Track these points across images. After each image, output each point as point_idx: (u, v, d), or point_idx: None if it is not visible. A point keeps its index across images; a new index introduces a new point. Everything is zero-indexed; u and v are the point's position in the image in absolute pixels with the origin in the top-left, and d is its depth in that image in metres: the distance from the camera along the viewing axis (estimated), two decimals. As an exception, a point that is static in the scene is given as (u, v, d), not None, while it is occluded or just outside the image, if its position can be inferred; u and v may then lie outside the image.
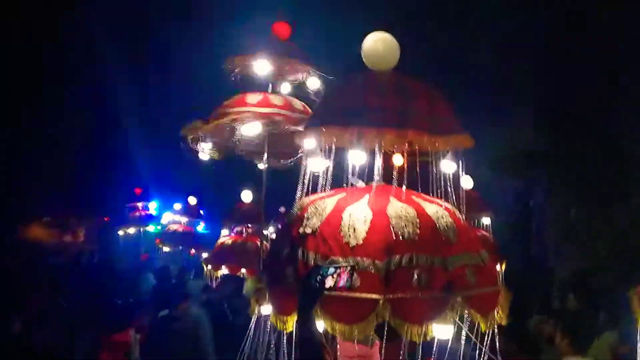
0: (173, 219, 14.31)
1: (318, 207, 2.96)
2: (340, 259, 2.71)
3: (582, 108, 10.56)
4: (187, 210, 13.49)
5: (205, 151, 6.14)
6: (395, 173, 3.06)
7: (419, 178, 3.14)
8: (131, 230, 16.27)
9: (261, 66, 5.89)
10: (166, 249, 12.78)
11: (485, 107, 12.85)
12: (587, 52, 10.08)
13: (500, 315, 2.88)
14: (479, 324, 2.80)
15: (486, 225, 8.79)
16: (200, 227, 15.08)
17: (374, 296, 2.62)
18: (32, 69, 14.69)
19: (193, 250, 12.32)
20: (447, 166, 3.09)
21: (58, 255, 15.42)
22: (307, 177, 3.15)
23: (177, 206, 14.30)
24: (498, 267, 8.43)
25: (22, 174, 15.67)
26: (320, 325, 2.70)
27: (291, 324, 2.79)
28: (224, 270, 8.25)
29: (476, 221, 8.86)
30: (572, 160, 10.70)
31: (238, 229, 8.87)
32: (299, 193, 3.15)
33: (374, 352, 3.10)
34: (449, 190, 3.10)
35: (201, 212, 14.00)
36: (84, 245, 17.82)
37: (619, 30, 9.59)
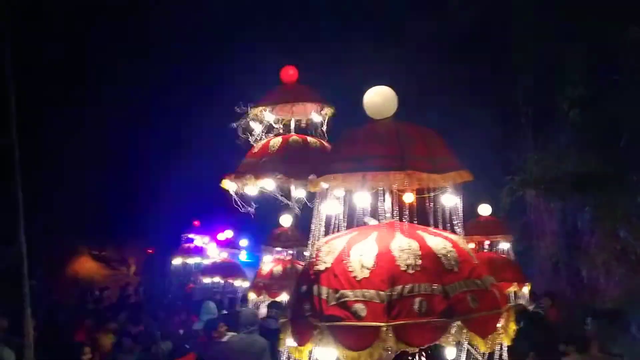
0: (214, 252, 14.90)
1: (331, 246, 3.41)
2: (349, 292, 3.14)
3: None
4: (226, 243, 14.10)
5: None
6: (405, 210, 3.50)
7: (428, 212, 3.58)
8: (181, 261, 16.88)
9: (275, 114, 6.50)
10: (206, 280, 13.35)
11: (529, 129, 13.39)
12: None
13: (503, 336, 3.25)
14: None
15: (505, 249, 9.44)
16: (243, 257, 15.64)
17: (378, 324, 3.03)
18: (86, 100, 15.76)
19: (230, 280, 12.83)
20: (448, 200, 3.50)
21: (106, 289, 16.21)
22: (321, 219, 3.58)
23: (221, 237, 14.90)
24: (526, 289, 8.84)
25: (73, 204, 16.54)
26: (329, 352, 3.13)
27: (305, 354, 3.23)
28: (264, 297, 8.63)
29: (495, 246, 9.42)
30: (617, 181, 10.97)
31: (278, 255, 9.10)
32: (313, 235, 3.59)
33: None
34: (454, 221, 3.50)
35: (241, 242, 14.63)
36: (132, 277, 18.67)
37: None
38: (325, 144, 6.45)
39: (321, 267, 3.31)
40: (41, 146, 13.93)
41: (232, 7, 15.65)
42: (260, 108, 6.50)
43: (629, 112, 10.91)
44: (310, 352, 3.33)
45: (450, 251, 3.27)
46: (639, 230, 10.73)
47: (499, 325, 3.20)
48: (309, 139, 6.49)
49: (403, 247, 3.22)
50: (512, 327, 3.30)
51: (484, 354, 3.30)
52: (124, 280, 18.19)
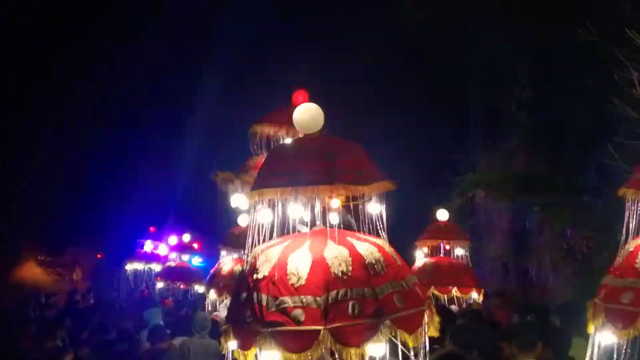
0: (166, 254, 15.03)
1: (268, 255, 3.74)
2: (288, 299, 3.48)
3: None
4: (182, 247, 14.29)
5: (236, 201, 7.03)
6: (333, 215, 3.87)
7: (355, 218, 3.96)
8: (138, 266, 16.89)
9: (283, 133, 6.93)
10: (160, 285, 13.50)
11: (478, 131, 13.98)
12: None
13: (429, 330, 3.65)
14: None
15: (461, 255, 9.84)
16: (196, 261, 15.82)
17: (316, 327, 3.38)
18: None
19: (182, 285, 13.04)
20: (373, 207, 3.88)
21: (53, 295, 16.17)
22: (256, 228, 3.91)
23: (173, 241, 15.01)
24: (475, 295, 9.23)
25: (20, 208, 16.46)
26: (273, 355, 3.46)
27: (250, 357, 3.56)
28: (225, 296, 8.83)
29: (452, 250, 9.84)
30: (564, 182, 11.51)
31: (235, 254, 9.14)
32: (249, 243, 3.91)
33: None
34: (379, 226, 3.89)
35: (194, 246, 14.81)
36: (80, 283, 18.63)
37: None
38: None
39: (259, 275, 3.64)
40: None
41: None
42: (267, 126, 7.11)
43: (576, 114, 11.47)
44: (256, 356, 3.64)
45: (377, 256, 3.65)
46: (585, 230, 11.30)
47: (423, 320, 3.58)
48: None
49: (335, 254, 3.58)
50: (436, 320, 3.70)
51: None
52: (71, 286, 18.16)
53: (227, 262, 9.25)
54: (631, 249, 4.10)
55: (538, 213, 12.80)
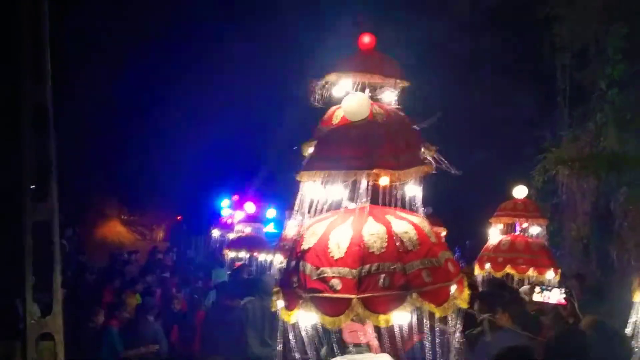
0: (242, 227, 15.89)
1: (315, 228, 4.37)
2: (328, 269, 4.11)
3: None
4: (249, 218, 15.19)
5: None
6: (380, 193, 4.46)
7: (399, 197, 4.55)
8: (216, 234, 17.90)
9: (353, 83, 6.72)
10: (231, 254, 14.43)
11: (565, 108, 14.01)
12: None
13: (458, 303, 4.21)
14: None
15: (537, 234, 10.08)
16: (270, 228, 16.69)
17: (350, 296, 4.00)
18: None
19: (256, 254, 13.91)
20: (411, 190, 4.45)
21: (135, 253, 17.57)
22: (306, 204, 4.57)
23: (250, 209, 15.84)
24: (553, 274, 9.43)
25: (106, 168, 17.77)
26: (311, 318, 4.12)
27: (293, 317, 4.23)
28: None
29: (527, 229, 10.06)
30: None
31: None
32: (300, 217, 4.56)
33: (367, 325, 4.49)
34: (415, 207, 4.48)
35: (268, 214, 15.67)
36: (160, 243, 20.01)
37: None
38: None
39: (306, 246, 4.27)
40: (77, 106, 15.10)
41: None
42: (336, 74, 6.77)
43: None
44: (297, 316, 4.32)
45: (412, 234, 4.19)
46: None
47: (451, 294, 4.13)
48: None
49: (372, 232, 4.16)
50: (466, 293, 4.26)
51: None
52: (152, 244, 19.53)
53: (292, 226, 9.95)
54: None
55: (624, 194, 12.82)
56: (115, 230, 19.30)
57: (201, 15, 17.14)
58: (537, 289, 8.68)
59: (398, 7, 14.70)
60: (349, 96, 4.55)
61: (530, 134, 14.40)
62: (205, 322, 9.13)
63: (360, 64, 6.79)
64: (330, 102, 7.00)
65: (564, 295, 8.14)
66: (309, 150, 6.96)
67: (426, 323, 4.37)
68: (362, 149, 4.28)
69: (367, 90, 6.79)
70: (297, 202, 4.77)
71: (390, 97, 6.84)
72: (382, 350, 4.61)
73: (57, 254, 6.72)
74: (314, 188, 4.52)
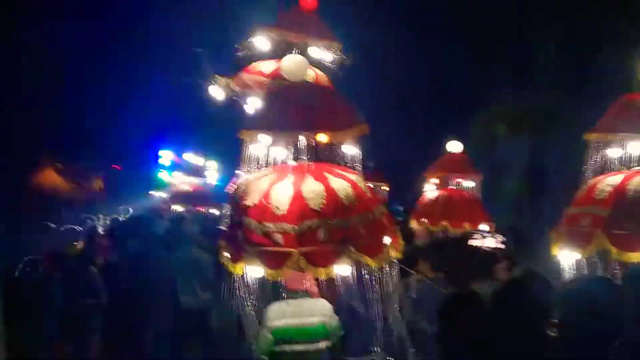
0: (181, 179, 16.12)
1: (258, 185, 4.70)
2: (271, 224, 4.45)
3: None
4: (195, 170, 15.39)
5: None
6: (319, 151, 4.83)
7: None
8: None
9: (285, 37, 6.99)
10: (179, 208, 14.66)
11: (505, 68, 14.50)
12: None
13: (391, 255, 4.63)
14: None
15: (471, 187, 10.39)
16: (213, 180, 16.93)
17: (291, 250, 4.36)
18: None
19: (201, 209, 14.20)
20: (348, 149, 4.84)
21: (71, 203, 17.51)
22: (250, 160, 4.89)
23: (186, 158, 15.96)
24: (487, 227, 9.76)
25: (38, 115, 17.50)
26: (256, 270, 4.49)
27: (239, 268, 4.58)
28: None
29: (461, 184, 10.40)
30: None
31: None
32: (243, 172, 4.88)
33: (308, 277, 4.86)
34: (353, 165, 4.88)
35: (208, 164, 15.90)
36: (98, 193, 19.93)
37: None
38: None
39: (249, 202, 4.60)
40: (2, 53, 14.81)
41: None
42: (266, 29, 7.11)
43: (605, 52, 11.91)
44: (243, 268, 4.67)
45: (349, 191, 4.58)
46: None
47: (386, 246, 4.54)
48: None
49: (312, 189, 4.52)
50: (400, 244, 4.71)
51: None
52: (89, 195, 19.43)
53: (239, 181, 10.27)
54: (591, 184, 5.04)
55: (559, 152, 13.43)
56: (50, 178, 19.11)
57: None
58: (474, 235, 9.23)
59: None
60: (287, 57, 4.85)
61: (469, 91, 14.86)
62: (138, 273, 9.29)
63: (296, 22, 7.15)
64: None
65: (502, 240, 8.73)
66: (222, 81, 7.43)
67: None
68: (302, 111, 4.62)
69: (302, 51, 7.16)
70: (243, 157, 5.05)
71: (326, 56, 7.16)
72: (321, 296, 5.04)
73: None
74: (257, 145, 4.84)
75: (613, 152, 5.14)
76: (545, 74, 13.50)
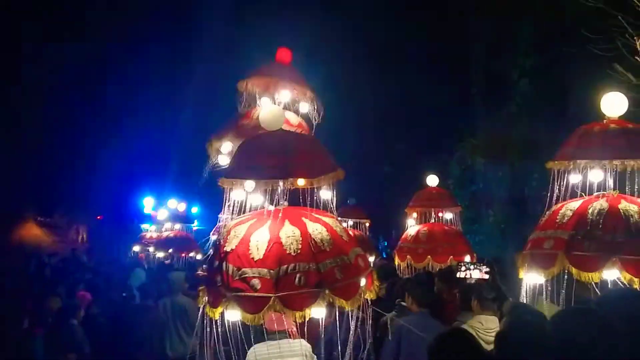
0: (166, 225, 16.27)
1: (237, 231, 4.85)
2: (248, 270, 4.61)
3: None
4: (178, 217, 15.60)
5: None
6: (296, 196, 5.01)
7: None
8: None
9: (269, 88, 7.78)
10: (160, 254, 14.81)
11: (479, 98, 14.89)
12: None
13: (366, 296, 4.78)
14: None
15: (450, 219, 10.57)
16: (194, 227, 17.12)
17: (268, 295, 4.50)
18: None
19: (184, 254, 14.36)
20: (325, 193, 5.03)
21: (54, 256, 17.56)
22: (230, 206, 5.07)
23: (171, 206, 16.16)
24: (469, 259, 9.88)
25: (20, 170, 17.68)
26: (234, 314, 4.62)
27: (217, 313, 4.71)
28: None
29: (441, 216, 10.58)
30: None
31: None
32: (224, 218, 5.05)
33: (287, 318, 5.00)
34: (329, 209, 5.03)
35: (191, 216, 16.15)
36: (80, 244, 19.98)
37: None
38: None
39: (228, 248, 4.75)
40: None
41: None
42: (248, 81, 7.84)
43: (578, 83, 12.32)
44: (222, 313, 4.80)
45: (325, 235, 4.74)
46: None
47: (361, 287, 4.70)
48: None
49: (289, 234, 4.68)
50: (376, 285, 4.88)
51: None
52: (71, 246, 19.49)
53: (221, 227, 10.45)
54: (554, 210, 5.33)
55: (537, 180, 13.73)
56: (32, 232, 19.14)
57: (120, 22, 17.36)
58: (461, 267, 9.38)
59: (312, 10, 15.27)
60: (264, 108, 5.05)
61: (448, 124, 15.21)
62: (127, 323, 9.39)
63: (276, 73, 7.69)
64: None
65: (486, 271, 8.88)
66: (220, 145, 7.87)
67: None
68: (279, 158, 4.81)
69: (280, 102, 7.77)
70: (224, 203, 5.21)
71: (303, 106, 7.84)
72: (301, 336, 5.16)
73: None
74: (235, 192, 5.02)
75: (574, 178, 5.40)
76: (523, 103, 13.85)
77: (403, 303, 6.84)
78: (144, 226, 17.95)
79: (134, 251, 17.55)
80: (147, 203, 19.39)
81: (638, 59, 9.81)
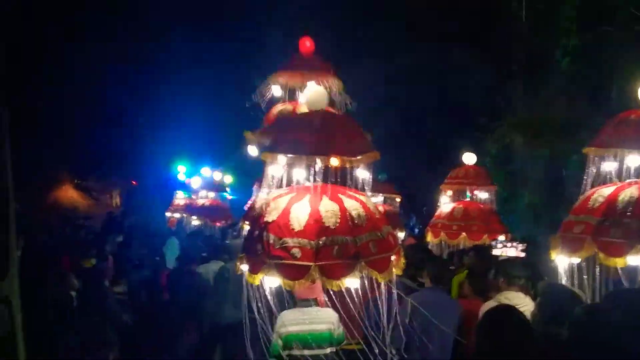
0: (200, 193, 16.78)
1: (277, 203, 5.26)
2: (289, 240, 5.01)
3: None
4: (213, 185, 16.07)
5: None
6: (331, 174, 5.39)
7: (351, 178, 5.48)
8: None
9: (298, 81, 8.39)
10: (195, 222, 15.32)
11: (519, 76, 14.99)
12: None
13: (395, 271, 5.18)
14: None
15: (486, 199, 10.81)
16: (228, 195, 17.61)
17: (308, 263, 4.92)
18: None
19: (218, 224, 14.84)
20: (361, 173, 5.39)
21: (90, 218, 18.20)
22: (269, 180, 5.48)
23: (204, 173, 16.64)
24: (504, 238, 10.15)
25: (58, 132, 18.24)
26: (274, 281, 5.04)
27: (257, 279, 5.14)
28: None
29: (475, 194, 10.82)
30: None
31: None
32: (264, 191, 5.46)
33: (317, 288, 5.46)
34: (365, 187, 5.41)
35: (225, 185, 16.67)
36: (116, 208, 20.61)
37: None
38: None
39: (269, 219, 5.16)
40: (27, 69, 15.59)
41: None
42: (278, 75, 8.52)
43: (621, 64, 12.39)
44: (261, 279, 5.23)
45: (360, 211, 5.14)
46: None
47: (391, 263, 5.10)
48: None
49: (328, 209, 5.09)
50: (402, 262, 5.26)
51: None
52: (107, 209, 20.13)
53: (260, 198, 10.79)
54: (587, 195, 5.64)
55: (574, 162, 13.84)
56: (68, 195, 19.78)
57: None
58: (498, 244, 9.66)
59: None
60: (310, 88, 5.42)
61: (486, 102, 15.36)
62: (171, 287, 9.80)
63: (301, 66, 8.16)
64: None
65: (522, 249, 9.18)
66: (252, 137, 8.26)
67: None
68: (320, 136, 5.20)
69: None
70: (264, 177, 5.63)
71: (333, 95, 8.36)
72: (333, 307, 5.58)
73: (12, 214, 7.30)
74: (276, 166, 5.42)
75: (609, 165, 5.70)
76: (562, 84, 13.94)
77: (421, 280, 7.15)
78: (178, 193, 18.45)
79: (167, 217, 18.14)
80: (181, 170, 19.91)
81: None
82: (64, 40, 17.12)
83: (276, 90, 8.55)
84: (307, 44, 8.51)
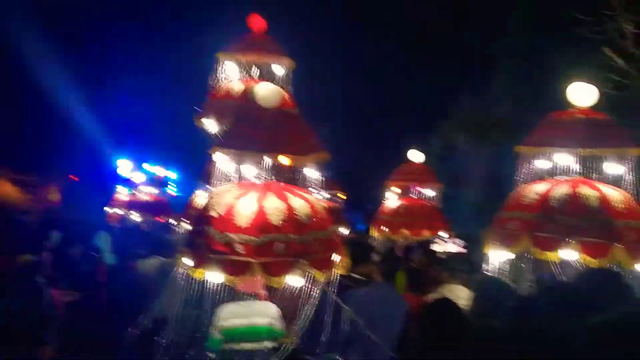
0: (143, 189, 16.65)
1: (223, 198, 5.33)
2: (233, 235, 5.09)
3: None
4: (155, 181, 15.96)
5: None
6: (279, 172, 5.48)
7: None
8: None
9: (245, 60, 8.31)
10: (137, 218, 15.22)
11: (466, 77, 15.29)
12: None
13: (338, 269, 5.31)
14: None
15: (432, 196, 11.01)
16: (172, 192, 17.50)
17: (251, 259, 5.00)
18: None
19: (159, 219, 14.76)
20: (310, 172, 5.50)
21: (27, 213, 17.80)
22: (217, 175, 5.54)
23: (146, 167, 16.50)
24: (446, 235, 10.47)
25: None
26: (216, 276, 5.12)
27: (199, 274, 5.18)
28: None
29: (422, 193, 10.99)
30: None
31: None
32: (208, 186, 5.53)
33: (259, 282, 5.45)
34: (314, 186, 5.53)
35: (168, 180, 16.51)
36: (54, 203, 20.19)
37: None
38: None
39: (214, 214, 5.22)
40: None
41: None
42: (227, 54, 8.36)
43: (563, 66, 12.76)
44: (203, 274, 5.28)
45: (307, 210, 5.24)
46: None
47: (334, 261, 5.23)
48: None
49: (274, 206, 5.17)
50: (345, 261, 5.38)
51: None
52: (45, 205, 19.69)
53: (201, 194, 10.24)
54: (519, 191, 5.91)
55: (514, 161, 14.20)
56: (4, 189, 19.29)
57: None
58: (438, 240, 9.89)
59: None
60: (263, 84, 5.52)
61: (431, 102, 15.64)
62: (110, 283, 9.65)
63: (252, 45, 8.18)
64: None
65: (463, 245, 9.41)
66: (202, 122, 8.47)
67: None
68: (270, 133, 5.30)
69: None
70: (209, 172, 5.70)
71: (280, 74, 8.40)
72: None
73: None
74: (224, 162, 5.50)
75: (541, 164, 5.95)
76: (504, 85, 14.31)
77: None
78: (119, 188, 18.25)
79: (106, 212, 17.91)
80: (122, 165, 19.67)
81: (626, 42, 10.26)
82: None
83: (230, 69, 8.43)
84: (257, 21, 8.46)
